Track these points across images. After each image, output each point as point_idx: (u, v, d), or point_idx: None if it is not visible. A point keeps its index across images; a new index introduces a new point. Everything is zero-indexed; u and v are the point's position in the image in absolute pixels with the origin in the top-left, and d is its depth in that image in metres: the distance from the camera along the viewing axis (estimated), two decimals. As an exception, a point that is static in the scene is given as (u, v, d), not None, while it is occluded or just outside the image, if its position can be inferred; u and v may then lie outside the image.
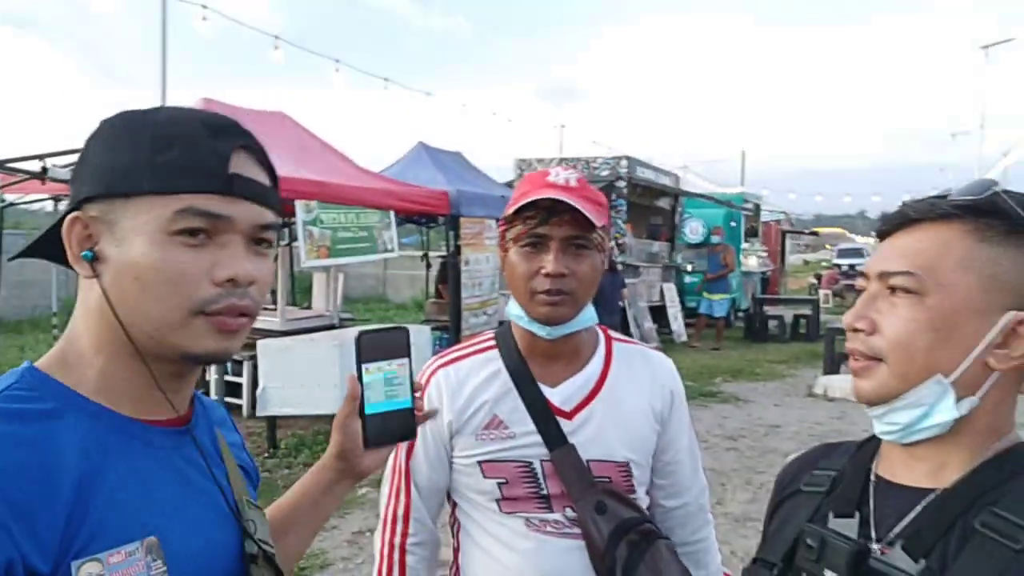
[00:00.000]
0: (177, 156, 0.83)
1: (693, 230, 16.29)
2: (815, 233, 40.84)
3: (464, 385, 1.48)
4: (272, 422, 6.53)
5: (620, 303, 10.07)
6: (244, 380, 7.35)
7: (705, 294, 14.39)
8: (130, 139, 0.85)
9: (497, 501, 1.44)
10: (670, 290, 14.56)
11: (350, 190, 6.83)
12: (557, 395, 1.46)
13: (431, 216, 8.91)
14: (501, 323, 1.60)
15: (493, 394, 1.46)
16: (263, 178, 0.91)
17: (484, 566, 1.47)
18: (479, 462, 1.44)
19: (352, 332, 7.57)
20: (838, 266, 27.64)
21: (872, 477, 1.01)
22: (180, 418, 0.94)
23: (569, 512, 1.43)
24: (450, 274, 8.50)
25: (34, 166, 5.11)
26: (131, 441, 0.87)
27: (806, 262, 43.78)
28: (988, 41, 24.49)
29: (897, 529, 0.92)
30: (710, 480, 5.75)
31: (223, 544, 0.93)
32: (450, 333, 8.34)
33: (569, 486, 1.41)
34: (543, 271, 1.38)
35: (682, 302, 14.96)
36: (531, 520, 1.43)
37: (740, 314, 17.25)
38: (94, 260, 0.85)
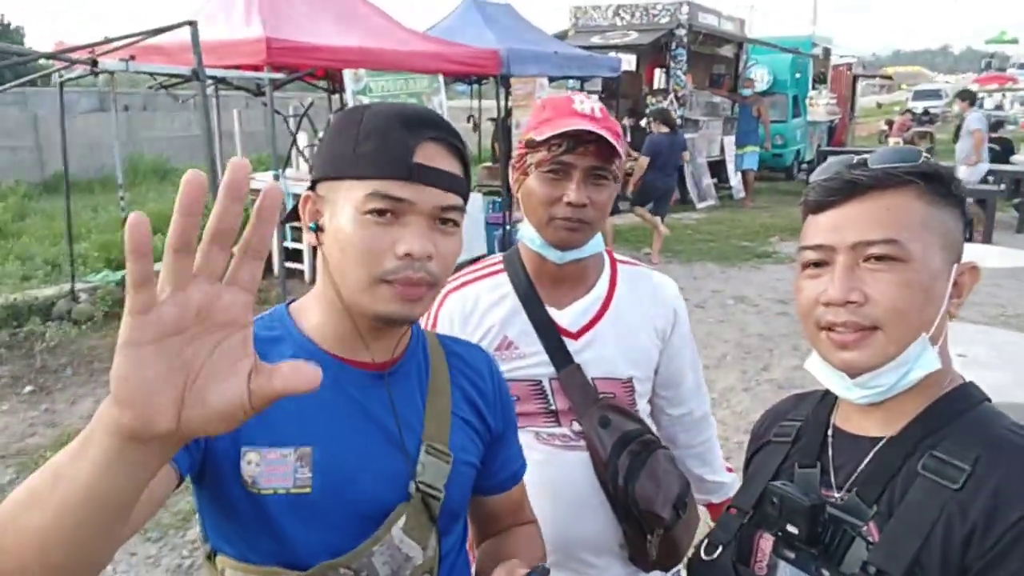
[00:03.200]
0: (372, 148, 0.99)
1: (759, 78, 15.60)
2: (888, 77, 38.60)
3: (475, 309, 1.55)
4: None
5: (679, 163, 9.84)
6: (304, 246, 7.58)
7: (736, 148, 13.98)
8: (344, 132, 1.02)
9: None
10: (730, 144, 14.14)
11: (398, 55, 6.72)
12: (564, 317, 1.53)
13: (481, 75, 8.71)
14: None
15: (502, 316, 1.54)
16: (450, 166, 1.02)
17: None
18: None
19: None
20: (911, 111, 26.29)
21: (831, 428, 1.08)
22: (378, 364, 1.08)
23: (575, 426, 1.53)
24: (500, 137, 8.41)
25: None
26: (321, 370, 1.01)
27: (879, 105, 41.69)
28: None
29: (853, 477, 1.00)
30: (758, 345, 5.83)
31: (387, 475, 1.05)
32: (502, 197, 8.36)
33: (575, 403, 1.51)
34: (565, 200, 1.43)
35: (743, 156, 14.57)
36: (540, 434, 1.54)
37: (804, 167, 16.77)
38: (318, 230, 1.04)
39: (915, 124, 23.59)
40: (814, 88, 18.46)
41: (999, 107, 31.03)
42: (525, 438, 1.54)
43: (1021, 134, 23.51)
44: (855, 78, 22.43)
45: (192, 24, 4.61)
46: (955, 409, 0.98)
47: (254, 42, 5.59)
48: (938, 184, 0.97)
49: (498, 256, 1.65)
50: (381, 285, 0.98)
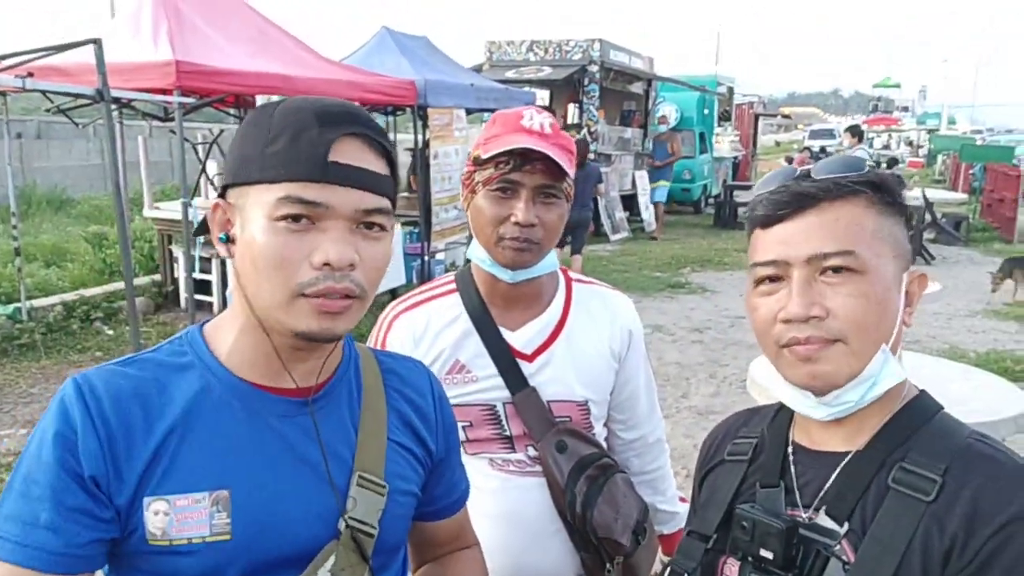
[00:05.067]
0: (282, 147, 0.89)
1: (669, 114, 16.09)
2: (788, 116, 40.58)
3: (426, 331, 1.49)
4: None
5: (594, 196, 9.99)
6: (213, 278, 7.29)
7: (650, 183, 14.39)
8: (253, 131, 0.92)
9: (462, 443, 1.47)
10: (642, 178, 14.49)
11: (313, 83, 6.58)
12: (518, 338, 1.48)
13: (398, 106, 8.65)
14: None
15: (454, 339, 1.48)
16: (372, 164, 0.93)
17: None
18: None
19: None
20: (808, 149, 27.62)
21: (790, 445, 1.05)
22: (302, 390, 0.99)
23: (531, 451, 1.48)
24: (419, 168, 8.35)
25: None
26: (235, 401, 0.95)
27: (778, 143, 43.65)
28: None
29: (820, 495, 0.97)
30: (676, 374, 5.91)
31: (314, 514, 0.96)
32: (421, 228, 8.28)
33: (530, 427, 1.46)
34: (513, 219, 1.38)
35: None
36: (494, 460, 1.49)
37: (711, 200, 17.32)
38: (229, 242, 0.95)
39: (813, 161, 24.77)
40: (719, 125, 19.19)
41: (887, 146, 32.99)
42: (479, 464, 1.47)
43: (909, 172, 25.01)
44: (757, 117, 23.43)
45: (96, 42, 4.39)
46: (917, 420, 0.96)
47: (163, 65, 5.36)
48: (885, 193, 0.96)
49: (450, 276, 1.58)
50: (298, 300, 0.89)
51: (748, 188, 16.53)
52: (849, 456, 0.97)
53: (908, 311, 0.97)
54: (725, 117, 20.21)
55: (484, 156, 1.39)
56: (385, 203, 0.94)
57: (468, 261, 1.54)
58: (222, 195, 0.96)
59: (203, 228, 1.01)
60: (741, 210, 15.27)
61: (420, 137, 8.43)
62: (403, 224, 8.16)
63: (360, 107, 0.97)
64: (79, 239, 10.08)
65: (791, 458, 1.04)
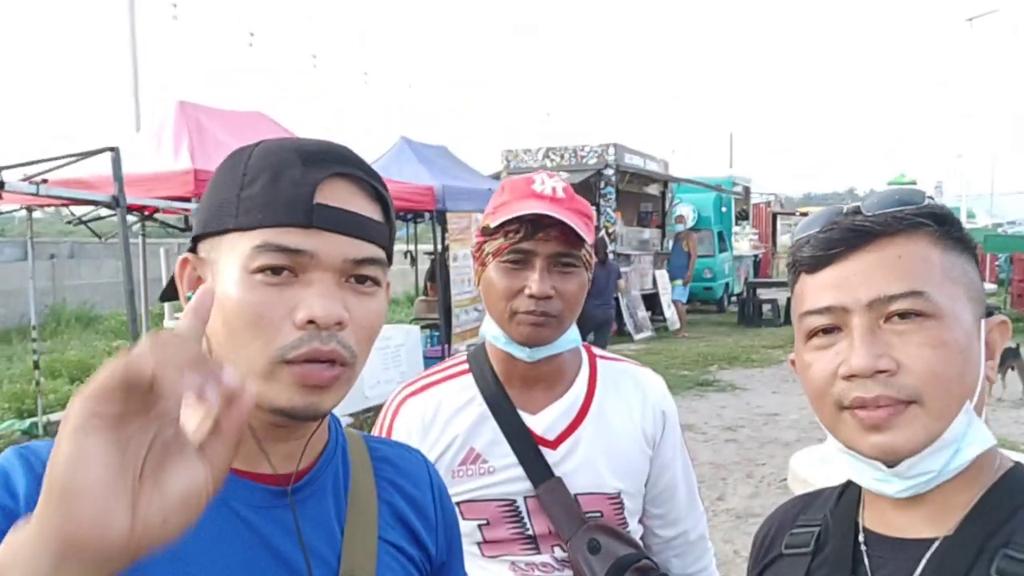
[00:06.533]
0: (260, 189, 0.77)
1: (687, 215, 16.21)
2: (806, 214, 40.92)
3: (436, 417, 1.35)
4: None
5: (615, 294, 9.92)
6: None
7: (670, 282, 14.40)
8: (228, 175, 0.81)
9: (478, 544, 1.32)
10: (662, 277, 14.47)
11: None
12: (539, 423, 1.34)
13: (417, 212, 8.74)
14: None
15: (468, 424, 1.34)
16: (364, 208, 0.81)
17: None
18: (456, 503, 1.29)
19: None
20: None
21: (861, 533, 0.88)
22: (281, 477, 0.83)
23: (559, 552, 1.31)
24: (439, 271, 8.36)
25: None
26: None
27: (797, 242, 43.80)
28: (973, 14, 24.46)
29: None
30: (711, 474, 5.62)
31: None
32: (441, 331, 8.21)
33: (557, 524, 1.30)
34: (527, 291, 1.26)
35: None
36: (517, 564, 1.32)
37: (733, 298, 17.20)
38: None
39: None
40: (737, 224, 19.27)
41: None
42: (499, 570, 1.30)
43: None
44: (775, 215, 23.57)
45: (114, 150, 4.45)
46: (1018, 495, 0.79)
47: (181, 174, 5.46)
48: (951, 226, 0.82)
49: (462, 355, 1.44)
50: (282, 367, 0.75)
51: (771, 285, 16.44)
52: (937, 543, 0.80)
53: (990, 364, 0.82)
54: (743, 216, 20.32)
55: (493, 225, 1.28)
56: (379, 252, 0.82)
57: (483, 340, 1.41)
58: (192, 249, 0.83)
59: (171, 290, 0.87)
60: (766, 307, 15.13)
61: (440, 242, 8.47)
62: (423, 327, 8.09)
63: (348, 147, 0.85)
64: (103, 354, 10.14)
65: (863, 548, 0.86)
